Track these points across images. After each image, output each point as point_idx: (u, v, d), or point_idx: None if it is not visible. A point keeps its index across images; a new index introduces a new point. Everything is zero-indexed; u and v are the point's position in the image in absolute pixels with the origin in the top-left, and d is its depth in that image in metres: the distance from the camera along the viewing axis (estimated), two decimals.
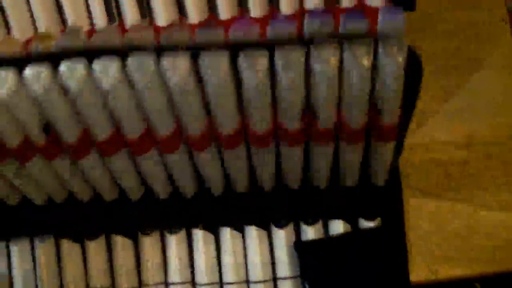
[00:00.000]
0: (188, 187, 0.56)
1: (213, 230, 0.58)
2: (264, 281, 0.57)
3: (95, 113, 0.45)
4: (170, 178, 0.55)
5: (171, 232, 0.58)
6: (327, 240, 0.57)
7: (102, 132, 0.47)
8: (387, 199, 0.58)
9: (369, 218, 0.57)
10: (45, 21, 0.45)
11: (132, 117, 0.46)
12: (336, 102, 0.45)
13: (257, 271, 0.57)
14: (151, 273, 0.58)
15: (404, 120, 0.49)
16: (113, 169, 0.53)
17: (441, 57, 0.60)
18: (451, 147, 0.59)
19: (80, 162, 0.51)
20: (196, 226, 0.58)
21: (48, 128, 0.47)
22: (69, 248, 0.58)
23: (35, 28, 0.45)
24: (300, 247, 0.56)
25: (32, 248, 0.58)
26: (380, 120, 0.47)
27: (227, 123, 0.47)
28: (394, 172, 0.57)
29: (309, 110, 0.46)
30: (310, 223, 0.57)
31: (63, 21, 0.45)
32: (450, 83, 0.60)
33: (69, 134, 0.47)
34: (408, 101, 0.47)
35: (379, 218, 0.57)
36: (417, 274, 0.58)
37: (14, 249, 0.58)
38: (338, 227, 0.57)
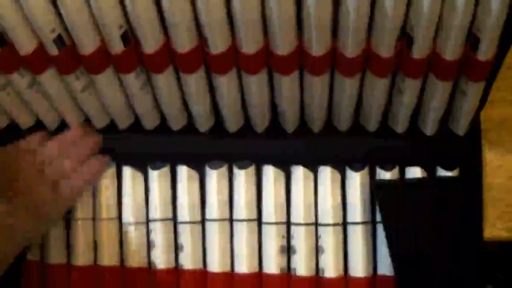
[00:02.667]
0: (260, 123, 0.54)
1: (285, 168, 0.55)
2: (334, 225, 0.55)
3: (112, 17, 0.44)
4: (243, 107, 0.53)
5: (239, 168, 0.55)
6: (404, 183, 0.55)
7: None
8: (466, 150, 0.56)
9: (447, 167, 0.55)
10: None
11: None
12: (435, 29, 0.44)
13: (328, 214, 0.55)
14: (216, 208, 0.55)
15: (499, 57, 0.47)
16: (133, 91, 0.51)
17: None
18: None
19: (96, 78, 0.50)
20: (267, 163, 0.55)
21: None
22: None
23: None
24: (377, 186, 0.54)
25: None
26: (475, 54, 0.46)
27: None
28: (475, 124, 0.55)
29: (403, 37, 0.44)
30: (387, 168, 0.55)
31: None
32: None
33: (85, 43, 0.46)
34: (506, 35, 0.45)
35: (457, 169, 0.55)
36: (490, 230, 0.56)
37: None
38: (415, 174, 0.55)
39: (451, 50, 0.46)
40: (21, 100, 0.53)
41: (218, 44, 0.45)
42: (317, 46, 0.45)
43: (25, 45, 0.47)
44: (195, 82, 0.50)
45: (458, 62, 0.47)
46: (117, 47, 0.46)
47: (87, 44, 0.46)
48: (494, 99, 0.56)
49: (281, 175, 0.56)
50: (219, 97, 0.51)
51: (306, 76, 0.49)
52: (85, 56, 0.47)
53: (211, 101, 0.53)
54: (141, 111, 0.54)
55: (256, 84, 0.49)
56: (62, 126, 0.56)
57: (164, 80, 0.50)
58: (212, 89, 0.52)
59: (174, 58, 0.48)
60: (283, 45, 0.45)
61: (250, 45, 0.45)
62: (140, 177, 0.56)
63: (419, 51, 0.46)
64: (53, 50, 0.47)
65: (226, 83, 0.49)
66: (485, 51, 0.46)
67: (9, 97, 0.53)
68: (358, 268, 0.55)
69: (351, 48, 0.46)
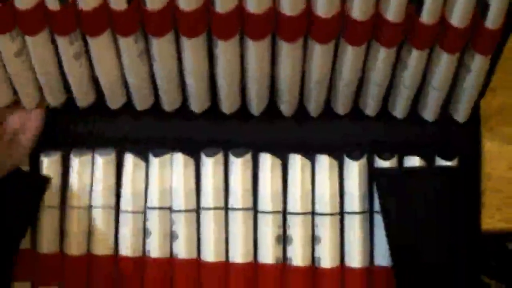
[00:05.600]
0: (258, 102, 0.53)
1: (283, 157, 0.55)
2: (331, 215, 0.54)
3: None
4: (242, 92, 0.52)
5: (235, 155, 0.54)
6: (404, 171, 0.54)
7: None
8: (466, 139, 0.55)
9: (447, 157, 0.54)
10: None
11: None
12: None
13: (325, 203, 0.54)
14: (211, 196, 0.54)
15: (506, 29, 0.47)
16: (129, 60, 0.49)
17: None
18: None
19: (93, 41, 0.48)
20: (265, 151, 0.54)
21: None
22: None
23: None
24: (377, 174, 0.53)
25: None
26: (483, 24, 0.46)
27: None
28: (475, 113, 0.55)
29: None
30: (385, 157, 0.54)
31: None
32: None
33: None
34: None
35: (457, 158, 0.54)
36: (489, 221, 0.55)
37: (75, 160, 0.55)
38: (413, 164, 0.54)
39: (460, 16, 0.46)
40: (3, 72, 0.51)
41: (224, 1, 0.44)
42: (325, 8, 0.44)
43: None
44: (196, 49, 0.48)
45: (466, 32, 0.47)
46: (120, 4, 0.45)
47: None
48: (494, 87, 0.55)
49: (278, 163, 0.54)
50: (219, 69, 0.50)
51: (311, 46, 0.49)
52: (86, 13, 0.46)
53: (209, 78, 0.52)
54: (135, 85, 0.52)
55: (258, 52, 0.48)
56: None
57: (164, 47, 0.49)
58: (211, 65, 0.51)
59: (177, 19, 0.46)
60: (291, 5, 0.45)
61: (256, 4, 0.44)
62: (140, 164, 0.55)
63: (428, 16, 0.46)
64: (55, 5, 0.45)
65: (228, 51, 0.48)
66: (493, 20, 0.46)
67: None
68: (355, 259, 0.54)
69: (360, 11, 0.45)
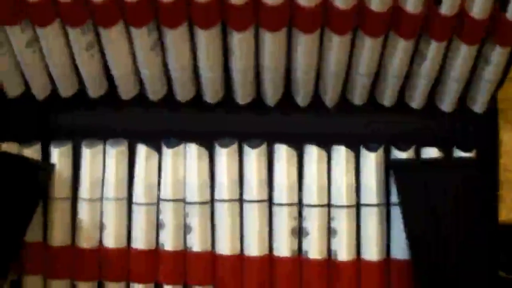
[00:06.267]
0: (273, 95, 0.52)
1: (299, 148, 0.54)
2: (348, 207, 0.53)
3: None
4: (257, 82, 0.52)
5: (250, 147, 0.53)
6: (422, 162, 0.54)
7: None
8: (484, 131, 0.54)
9: (465, 148, 0.54)
10: None
11: None
12: None
13: (341, 195, 0.53)
14: (226, 188, 0.53)
15: None
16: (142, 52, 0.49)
17: None
18: None
19: (106, 32, 0.47)
20: (279, 141, 0.54)
21: None
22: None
23: None
24: (394, 165, 0.53)
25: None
26: (503, 15, 0.45)
27: None
28: (492, 104, 0.54)
29: None
30: (402, 148, 0.53)
31: None
32: None
33: None
34: None
35: (475, 150, 0.54)
36: (506, 213, 0.55)
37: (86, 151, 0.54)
38: (431, 155, 0.54)
39: (479, 7, 0.45)
40: (14, 63, 0.50)
41: None
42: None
43: None
44: (210, 40, 0.48)
45: (485, 23, 0.46)
46: None
47: None
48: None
49: (294, 154, 0.54)
50: (234, 60, 0.49)
51: (328, 37, 0.48)
52: (98, 4, 0.45)
53: (223, 69, 0.51)
54: (148, 76, 0.51)
55: (274, 43, 0.48)
56: (51, 95, 0.54)
57: (178, 38, 0.48)
58: (226, 56, 0.50)
59: (191, 10, 0.46)
60: None
61: None
62: (153, 155, 0.54)
63: (447, 7, 0.45)
64: None
65: (243, 42, 0.48)
66: None
67: (2, 59, 0.50)
68: (372, 252, 0.54)
69: (379, 2, 0.45)
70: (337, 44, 0.48)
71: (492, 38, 0.48)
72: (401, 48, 0.49)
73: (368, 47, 0.48)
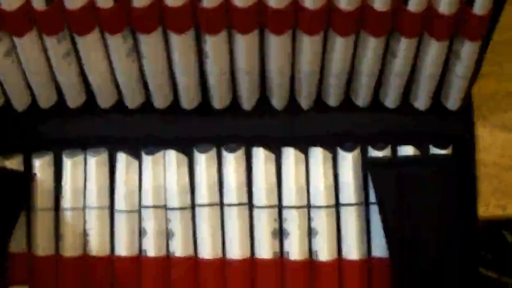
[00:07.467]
0: (249, 99, 0.53)
1: (276, 150, 0.54)
2: (327, 207, 0.54)
3: None
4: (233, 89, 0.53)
5: (228, 151, 0.54)
6: (398, 160, 0.54)
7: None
8: (459, 127, 0.55)
9: (441, 146, 0.54)
10: None
11: None
12: None
13: (320, 195, 0.54)
14: (206, 193, 0.54)
15: (494, 14, 0.47)
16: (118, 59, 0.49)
17: None
18: None
19: (82, 40, 0.48)
20: (257, 145, 0.54)
21: None
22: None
23: None
24: (370, 163, 0.53)
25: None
26: (471, 10, 0.46)
27: None
28: (467, 100, 0.55)
29: None
30: (378, 147, 0.54)
31: None
32: None
33: None
34: None
35: (451, 147, 0.54)
36: (485, 208, 0.55)
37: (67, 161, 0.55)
38: (407, 153, 0.54)
39: (447, 3, 0.46)
40: None
41: None
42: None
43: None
44: (184, 45, 0.48)
45: (453, 18, 0.47)
46: (107, 1, 0.45)
47: None
48: (486, 74, 0.55)
49: (272, 157, 0.54)
50: (208, 64, 0.50)
51: (299, 38, 0.48)
52: (73, 12, 0.46)
53: (198, 74, 0.51)
54: (125, 83, 0.52)
55: (247, 46, 0.48)
56: (31, 107, 0.54)
57: (152, 44, 0.49)
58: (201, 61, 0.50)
59: (164, 15, 0.47)
60: None
61: None
62: (133, 163, 0.55)
63: (415, 4, 0.46)
64: (41, 5, 0.45)
65: (217, 46, 0.48)
66: (481, 5, 0.46)
67: None
68: (353, 251, 0.54)
69: (347, 1, 0.45)
70: (308, 46, 0.48)
71: (461, 33, 0.48)
72: (372, 47, 0.49)
73: (338, 46, 0.49)
